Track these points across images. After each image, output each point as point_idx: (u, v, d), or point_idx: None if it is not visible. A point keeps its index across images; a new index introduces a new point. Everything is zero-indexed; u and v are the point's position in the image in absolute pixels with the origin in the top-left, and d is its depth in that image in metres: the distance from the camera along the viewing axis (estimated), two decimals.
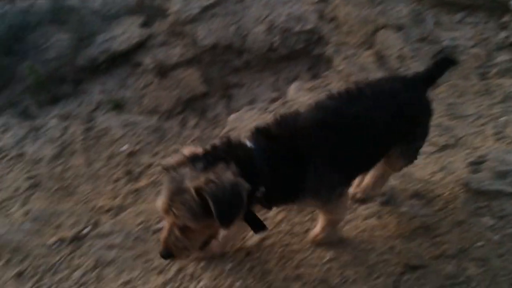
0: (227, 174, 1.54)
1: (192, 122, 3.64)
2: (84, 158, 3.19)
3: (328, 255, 2.18)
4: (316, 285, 2.06)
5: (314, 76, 3.81)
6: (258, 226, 1.80)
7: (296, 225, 2.38)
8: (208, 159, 1.61)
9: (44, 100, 3.83)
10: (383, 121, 1.93)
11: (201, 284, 2.09)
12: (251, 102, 3.72)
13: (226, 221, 1.56)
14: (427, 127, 2.22)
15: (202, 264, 2.19)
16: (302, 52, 3.90)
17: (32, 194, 2.89)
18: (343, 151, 1.84)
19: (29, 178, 3.03)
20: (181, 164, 1.63)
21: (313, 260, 2.17)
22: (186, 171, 1.58)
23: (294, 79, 3.82)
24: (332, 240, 2.21)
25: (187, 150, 1.71)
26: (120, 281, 2.19)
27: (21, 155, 3.25)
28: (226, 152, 1.66)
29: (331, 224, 2.15)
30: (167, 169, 1.65)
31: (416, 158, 2.29)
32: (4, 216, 2.71)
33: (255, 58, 3.89)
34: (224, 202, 1.51)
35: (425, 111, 2.15)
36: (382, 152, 2.11)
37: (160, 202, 1.62)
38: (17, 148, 3.32)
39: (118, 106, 3.73)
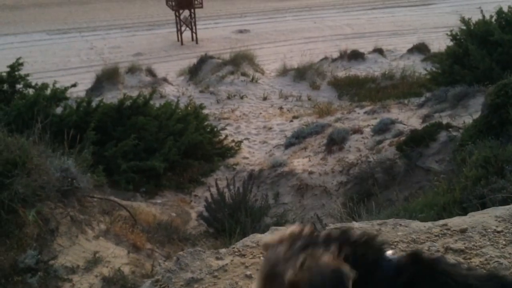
0: (324, 257, 1.24)
1: None
2: None
3: None
4: None
5: None
6: None
7: None
8: (311, 239, 1.33)
9: None
10: None
11: None
12: None
13: None
14: None
15: None
16: None
17: None
18: None
19: None
20: (280, 242, 1.37)
21: None
22: (281, 250, 1.33)
23: None
24: None
25: (292, 228, 1.41)
26: None
27: None
28: (344, 242, 1.31)
29: None
30: (265, 247, 1.43)
31: None
32: None
33: None
34: None
35: None
36: None
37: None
38: None
39: None
